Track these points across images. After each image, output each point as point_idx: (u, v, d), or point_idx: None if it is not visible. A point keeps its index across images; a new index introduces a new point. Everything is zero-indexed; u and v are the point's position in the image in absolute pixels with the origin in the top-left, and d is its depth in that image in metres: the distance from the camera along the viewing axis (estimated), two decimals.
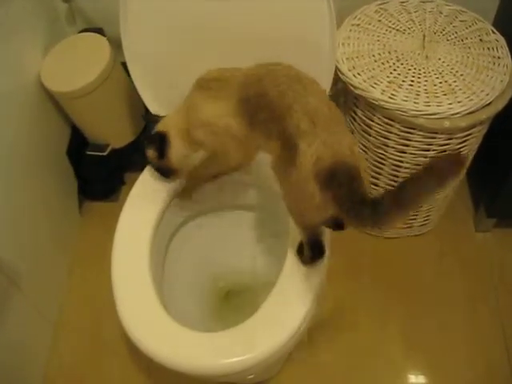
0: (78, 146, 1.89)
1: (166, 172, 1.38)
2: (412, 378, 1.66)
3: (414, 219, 1.81)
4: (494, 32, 1.52)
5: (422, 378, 1.66)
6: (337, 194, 0.97)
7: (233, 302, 1.67)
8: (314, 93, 1.10)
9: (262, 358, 1.11)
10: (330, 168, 0.98)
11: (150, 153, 1.33)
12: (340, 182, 0.97)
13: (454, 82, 1.40)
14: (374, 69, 1.44)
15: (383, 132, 1.46)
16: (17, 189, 1.57)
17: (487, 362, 1.66)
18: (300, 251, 1.26)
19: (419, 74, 1.42)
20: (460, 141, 1.44)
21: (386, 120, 1.42)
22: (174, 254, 1.54)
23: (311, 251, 1.21)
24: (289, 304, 1.18)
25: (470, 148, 1.51)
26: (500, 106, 1.38)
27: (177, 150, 1.29)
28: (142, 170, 1.48)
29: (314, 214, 1.08)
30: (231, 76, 1.18)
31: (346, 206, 0.96)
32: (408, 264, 1.89)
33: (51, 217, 1.80)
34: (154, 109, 1.48)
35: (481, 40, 1.50)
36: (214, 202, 1.55)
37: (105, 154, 1.84)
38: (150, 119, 1.41)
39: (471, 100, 1.35)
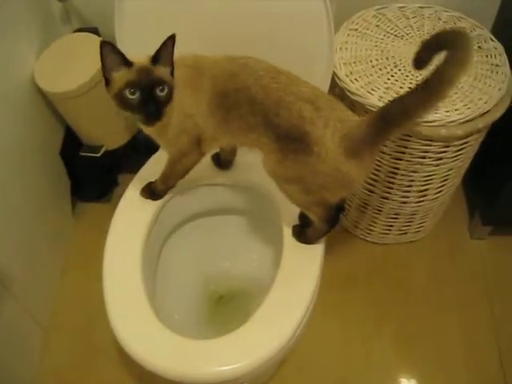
0: (72, 146, 1.87)
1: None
2: (407, 380, 1.66)
3: (409, 225, 1.81)
4: (492, 39, 1.51)
5: (413, 382, 1.66)
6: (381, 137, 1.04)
7: (226, 307, 1.66)
8: (300, 81, 1.11)
9: (255, 366, 1.10)
10: (363, 129, 1.03)
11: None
12: (378, 128, 1.02)
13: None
14: (371, 75, 1.43)
15: None
16: (9, 190, 1.55)
17: (480, 369, 1.67)
18: (297, 233, 1.29)
19: (417, 80, 1.41)
20: (456, 149, 1.43)
21: None
22: (167, 258, 1.53)
23: (328, 224, 1.23)
24: (282, 311, 1.18)
25: (466, 156, 1.50)
26: (498, 114, 1.37)
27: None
28: (135, 171, 1.47)
29: (346, 190, 1.14)
30: (204, 66, 1.16)
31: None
32: (403, 270, 1.88)
33: (44, 218, 1.79)
34: None
35: (479, 47, 1.49)
36: (208, 204, 1.54)
37: (98, 155, 1.82)
38: None
39: (468, 108, 1.35)
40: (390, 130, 1.03)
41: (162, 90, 1.06)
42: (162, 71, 1.07)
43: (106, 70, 1.06)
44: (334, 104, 1.09)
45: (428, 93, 0.96)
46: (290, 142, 1.07)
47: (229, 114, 1.13)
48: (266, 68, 1.11)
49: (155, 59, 1.06)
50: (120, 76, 1.05)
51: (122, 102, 1.06)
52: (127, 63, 1.04)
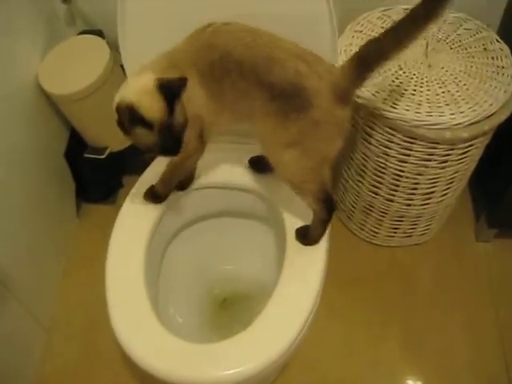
0: (76, 148, 1.87)
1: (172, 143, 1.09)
2: (410, 383, 1.66)
3: (415, 228, 1.80)
4: (498, 41, 1.50)
5: None
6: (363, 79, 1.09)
7: (229, 310, 1.66)
8: (281, 38, 1.13)
9: (259, 369, 1.10)
10: (349, 74, 1.08)
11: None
12: (359, 71, 1.08)
13: (457, 91, 1.38)
14: (375, 77, 1.42)
15: (384, 141, 1.45)
16: (13, 191, 1.56)
17: (486, 371, 1.66)
18: (301, 235, 1.29)
19: (421, 83, 1.40)
20: (462, 151, 1.42)
21: (388, 129, 1.41)
22: (170, 261, 1.53)
23: (326, 208, 1.24)
24: (286, 314, 1.17)
25: (471, 159, 1.49)
26: (503, 117, 1.36)
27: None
28: (140, 173, 1.47)
29: (338, 141, 1.14)
30: (178, 57, 1.15)
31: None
32: (408, 273, 1.88)
33: (48, 219, 1.79)
34: None
35: (485, 49, 1.48)
36: (211, 207, 1.54)
37: (103, 157, 1.82)
38: None
39: (474, 111, 1.33)
40: (370, 71, 1.08)
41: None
42: (179, 117, 1.06)
43: (124, 130, 1.05)
44: (317, 57, 1.12)
45: (403, 32, 1.04)
46: (287, 99, 1.08)
47: (221, 85, 1.12)
48: (243, 28, 1.13)
49: (171, 110, 1.03)
50: (141, 134, 1.04)
51: (141, 148, 1.08)
52: (147, 125, 1.02)
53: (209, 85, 1.14)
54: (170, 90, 1.02)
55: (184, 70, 1.12)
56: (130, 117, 1.01)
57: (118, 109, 1.02)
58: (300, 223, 1.31)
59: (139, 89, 1.03)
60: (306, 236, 1.29)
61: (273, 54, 1.08)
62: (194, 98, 1.14)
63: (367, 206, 1.75)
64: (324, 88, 1.07)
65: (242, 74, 1.09)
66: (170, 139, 1.05)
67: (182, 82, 1.03)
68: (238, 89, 1.11)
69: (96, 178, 1.96)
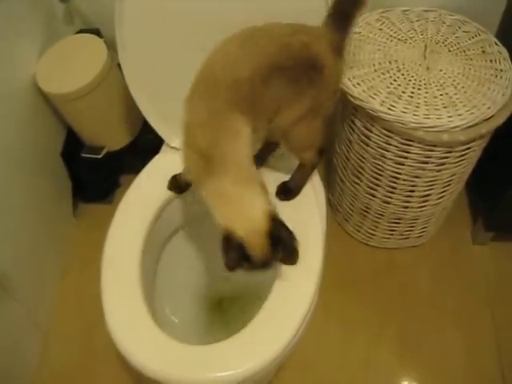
0: (73, 147, 1.87)
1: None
2: None
3: (411, 230, 1.80)
4: (497, 44, 1.49)
5: None
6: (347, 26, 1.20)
7: (226, 310, 1.66)
8: (274, 23, 1.17)
9: (255, 371, 1.10)
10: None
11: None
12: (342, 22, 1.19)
13: (455, 94, 1.38)
14: (373, 79, 1.42)
15: (382, 143, 1.44)
16: (10, 191, 1.55)
17: (481, 373, 1.66)
18: (283, 192, 1.35)
19: (419, 85, 1.40)
20: (459, 154, 1.42)
21: (385, 131, 1.40)
22: (166, 261, 1.53)
23: (320, 154, 1.31)
24: (281, 316, 1.17)
25: (469, 161, 1.49)
26: (501, 120, 1.35)
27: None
28: (138, 172, 1.47)
29: (338, 92, 1.27)
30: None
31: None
32: (404, 275, 1.87)
33: (45, 219, 1.79)
34: (147, 112, 1.46)
35: (483, 52, 1.48)
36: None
37: (100, 156, 1.82)
38: None
39: (472, 113, 1.33)
40: (350, 18, 1.19)
41: None
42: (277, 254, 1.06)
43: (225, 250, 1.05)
44: (303, 24, 1.17)
45: None
46: (305, 73, 1.12)
47: (253, 102, 1.11)
48: (234, 41, 1.14)
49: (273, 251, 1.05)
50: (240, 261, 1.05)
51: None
52: (248, 258, 1.03)
53: (247, 112, 1.11)
54: (280, 240, 1.04)
55: (231, 118, 1.10)
56: (236, 249, 1.03)
57: (227, 235, 1.03)
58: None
59: (251, 226, 1.03)
60: (289, 189, 1.34)
61: (276, 42, 1.10)
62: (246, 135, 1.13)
63: (364, 208, 1.75)
64: (326, 47, 1.14)
65: (263, 81, 1.09)
66: (264, 266, 1.06)
67: (292, 236, 1.05)
68: (266, 95, 1.11)
69: (93, 177, 1.96)
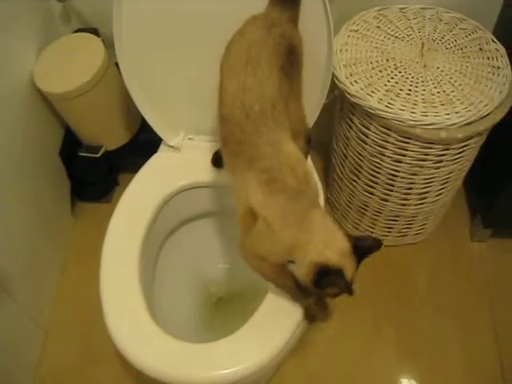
0: (71, 146, 1.86)
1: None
2: (406, 382, 1.66)
3: (409, 228, 1.80)
4: (494, 41, 1.50)
5: None
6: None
7: (225, 309, 1.66)
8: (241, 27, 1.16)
9: (253, 369, 1.10)
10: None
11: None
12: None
13: (452, 91, 1.38)
14: (371, 76, 1.42)
15: (380, 141, 1.45)
16: (8, 190, 1.55)
17: (480, 371, 1.66)
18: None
19: (417, 82, 1.40)
20: (457, 151, 1.42)
21: (383, 129, 1.40)
22: (165, 259, 1.53)
23: (308, 142, 1.29)
24: (280, 314, 1.17)
25: (466, 159, 1.49)
26: (498, 117, 1.36)
27: None
28: (136, 171, 1.47)
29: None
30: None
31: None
32: (403, 272, 1.88)
33: (43, 218, 1.78)
34: (145, 111, 1.47)
35: (480, 49, 1.48)
36: (208, 205, 1.54)
37: (98, 155, 1.82)
38: None
39: (469, 111, 1.33)
40: None
41: None
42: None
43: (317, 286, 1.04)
44: (264, 14, 1.16)
45: None
46: (288, 63, 1.11)
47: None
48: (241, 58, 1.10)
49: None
50: (331, 291, 1.05)
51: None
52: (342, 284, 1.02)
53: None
54: (363, 253, 1.05)
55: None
56: (336, 281, 1.01)
57: (324, 269, 1.01)
58: None
59: (340, 251, 1.02)
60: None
61: (270, 48, 1.08)
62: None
63: (362, 206, 1.75)
64: (291, 27, 1.14)
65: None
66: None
67: (376, 244, 1.05)
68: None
69: (91, 176, 1.96)
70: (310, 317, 1.20)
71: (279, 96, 1.06)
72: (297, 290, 1.11)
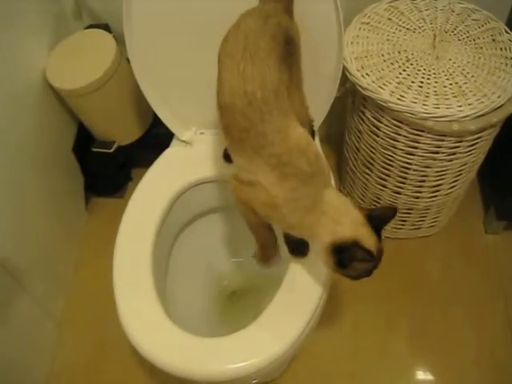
0: (84, 142, 1.88)
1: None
2: (419, 375, 1.66)
3: (423, 220, 1.79)
4: (507, 32, 1.48)
5: (428, 377, 1.66)
6: None
7: (238, 302, 1.67)
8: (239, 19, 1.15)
9: (265, 364, 1.10)
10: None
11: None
12: None
13: (465, 83, 1.37)
14: (383, 69, 1.42)
15: (392, 134, 1.44)
16: (22, 185, 1.56)
17: (494, 363, 1.66)
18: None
19: (429, 74, 1.39)
20: (470, 144, 1.41)
21: (395, 122, 1.40)
22: (178, 253, 1.54)
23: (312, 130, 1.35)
24: (293, 308, 1.17)
25: (479, 151, 1.48)
26: (511, 108, 1.35)
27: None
28: (148, 166, 1.48)
29: None
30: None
31: None
32: (416, 265, 1.87)
33: (57, 213, 1.80)
34: (157, 106, 1.47)
35: (493, 40, 1.47)
36: (221, 199, 1.54)
37: (111, 151, 1.83)
38: None
39: (482, 102, 1.32)
40: None
41: None
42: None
43: (342, 266, 1.05)
44: (260, 7, 1.15)
45: None
46: (286, 53, 1.09)
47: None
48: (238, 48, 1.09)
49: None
50: (360, 266, 1.06)
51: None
52: (368, 258, 1.02)
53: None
54: (380, 222, 1.05)
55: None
56: (356, 254, 1.01)
57: (340, 246, 1.01)
58: None
59: (352, 224, 1.02)
60: None
61: (267, 39, 1.07)
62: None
63: (375, 199, 1.75)
64: (286, 18, 1.14)
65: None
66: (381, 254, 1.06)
67: (391, 212, 1.05)
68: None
69: (104, 171, 1.97)
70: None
71: (280, 83, 1.05)
72: (267, 246, 1.21)
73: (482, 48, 1.45)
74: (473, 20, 1.52)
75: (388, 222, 1.05)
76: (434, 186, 1.59)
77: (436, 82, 1.38)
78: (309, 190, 1.02)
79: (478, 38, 1.47)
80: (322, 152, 1.16)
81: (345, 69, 1.40)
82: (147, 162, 1.49)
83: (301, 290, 1.20)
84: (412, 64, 1.42)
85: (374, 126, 1.48)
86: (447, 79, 1.38)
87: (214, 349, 1.13)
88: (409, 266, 1.86)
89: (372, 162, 1.60)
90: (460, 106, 1.32)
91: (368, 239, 1.02)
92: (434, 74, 1.40)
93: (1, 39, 1.45)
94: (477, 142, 1.42)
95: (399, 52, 1.46)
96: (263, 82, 1.01)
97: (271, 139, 1.01)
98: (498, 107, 1.33)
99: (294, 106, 1.11)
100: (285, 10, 1.15)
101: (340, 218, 1.02)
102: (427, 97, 1.35)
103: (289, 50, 1.10)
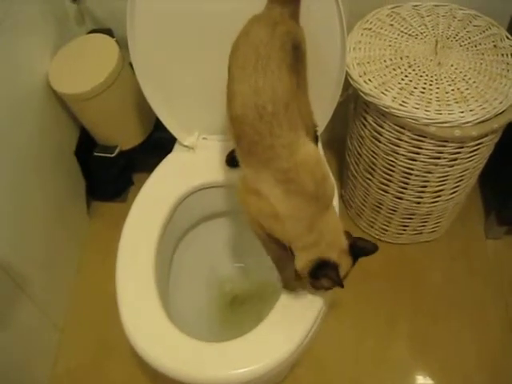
0: (87, 146, 1.88)
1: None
2: (420, 380, 1.66)
3: (424, 225, 1.79)
4: (508, 38, 1.49)
5: (428, 382, 1.65)
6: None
7: (240, 308, 1.67)
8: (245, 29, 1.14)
9: (267, 369, 1.10)
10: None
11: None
12: None
13: (467, 89, 1.37)
14: (385, 75, 1.42)
15: (394, 139, 1.44)
16: (24, 190, 1.56)
17: (495, 368, 1.66)
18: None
19: (431, 80, 1.40)
20: (471, 149, 1.42)
21: (397, 127, 1.40)
22: (181, 258, 1.54)
23: (315, 138, 1.29)
24: (295, 314, 1.17)
25: (481, 156, 1.48)
26: None
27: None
28: (151, 170, 1.48)
29: None
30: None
31: None
32: (418, 270, 1.87)
33: (59, 217, 1.80)
34: (160, 111, 1.47)
35: (495, 46, 1.48)
36: (223, 204, 1.55)
37: (113, 155, 1.83)
38: None
39: (483, 108, 1.33)
40: None
41: None
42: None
43: (313, 278, 1.11)
44: (267, 14, 1.14)
45: None
46: (294, 59, 1.09)
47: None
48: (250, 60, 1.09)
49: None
50: (325, 282, 1.11)
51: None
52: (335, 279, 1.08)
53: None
54: (359, 253, 1.14)
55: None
56: (330, 274, 1.08)
57: (322, 263, 1.07)
58: None
59: (339, 250, 1.10)
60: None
61: (277, 47, 1.06)
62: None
63: (376, 204, 1.75)
64: (293, 24, 1.13)
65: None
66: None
67: (372, 248, 1.14)
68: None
69: (106, 176, 1.97)
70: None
71: (291, 96, 1.05)
72: (280, 256, 1.19)
73: (483, 54, 1.46)
74: (474, 26, 1.53)
75: (366, 256, 1.13)
76: (436, 192, 1.59)
77: (438, 88, 1.38)
78: (312, 209, 1.05)
79: (480, 43, 1.48)
80: (324, 156, 1.16)
81: (347, 74, 1.40)
82: (149, 167, 1.49)
83: (303, 297, 1.20)
84: (414, 70, 1.43)
85: (376, 132, 1.49)
86: (449, 85, 1.39)
87: (217, 354, 1.13)
88: (410, 271, 1.87)
89: (374, 167, 1.61)
90: (462, 112, 1.33)
91: (345, 267, 1.11)
92: (436, 79, 1.40)
93: (4, 44, 1.45)
94: (478, 148, 1.42)
95: (401, 58, 1.46)
96: (274, 95, 1.01)
97: (279, 153, 1.02)
98: (500, 113, 1.34)
99: (300, 113, 1.10)
100: (291, 15, 1.14)
101: (332, 242, 1.09)
102: (429, 103, 1.35)
103: (296, 55, 1.10)
